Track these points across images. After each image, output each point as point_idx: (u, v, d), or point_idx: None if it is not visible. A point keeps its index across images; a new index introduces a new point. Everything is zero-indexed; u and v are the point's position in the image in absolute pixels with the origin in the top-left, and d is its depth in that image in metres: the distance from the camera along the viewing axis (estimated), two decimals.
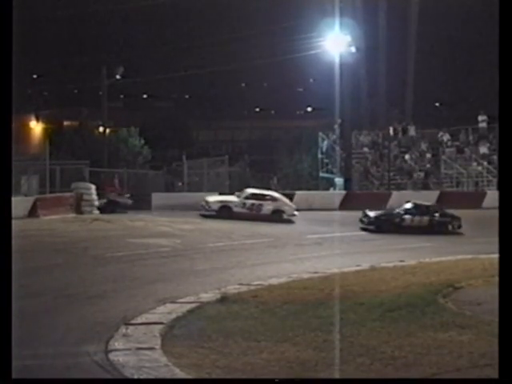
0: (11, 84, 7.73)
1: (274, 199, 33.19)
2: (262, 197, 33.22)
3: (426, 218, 30.15)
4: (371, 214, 30.26)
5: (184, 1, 58.36)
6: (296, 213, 32.61)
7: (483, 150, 42.48)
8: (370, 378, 9.07)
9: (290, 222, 32.05)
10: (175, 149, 56.95)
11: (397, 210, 30.69)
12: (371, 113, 51.71)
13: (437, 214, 30.27)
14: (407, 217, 30.13)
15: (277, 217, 32.31)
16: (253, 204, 32.80)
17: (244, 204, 32.86)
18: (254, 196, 33.18)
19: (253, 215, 32.28)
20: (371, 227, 29.66)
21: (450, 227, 29.85)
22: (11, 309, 7.72)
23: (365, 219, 30.10)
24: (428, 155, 44.04)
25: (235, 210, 32.71)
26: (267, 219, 31.81)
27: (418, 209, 30.45)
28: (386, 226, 29.71)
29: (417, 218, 30.23)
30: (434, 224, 29.99)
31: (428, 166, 43.54)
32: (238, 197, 33.34)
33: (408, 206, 30.63)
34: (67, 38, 61.37)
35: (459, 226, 30.01)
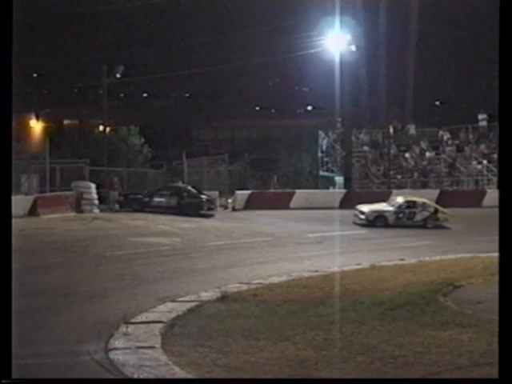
0: (11, 83, 7.73)
1: None
2: None
3: (174, 199, 32.02)
4: (130, 196, 33.29)
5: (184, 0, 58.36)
6: None
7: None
8: (370, 378, 9.06)
9: None
10: (175, 147, 56.92)
11: (148, 191, 33.09)
12: (371, 111, 51.73)
13: (186, 195, 32.31)
14: (156, 197, 32.23)
15: None
16: None
17: None
18: None
19: None
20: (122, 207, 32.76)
21: (204, 208, 32.13)
22: (11, 308, 7.72)
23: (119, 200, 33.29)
24: (428, 154, 44.05)
25: None
26: None
27: (168, 190, 32.71)
28: (136, 205, 32.23)
29: (165, 199, 32.23)
30: (183, 205, 31.90)
31: (425, 164, 43.53)
32: None
33: (160, 187, 33.40)
34: (67, 37, 61.36)
35: (210, 208, 32.35)
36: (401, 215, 29.87)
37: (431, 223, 29.70)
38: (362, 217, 30.12)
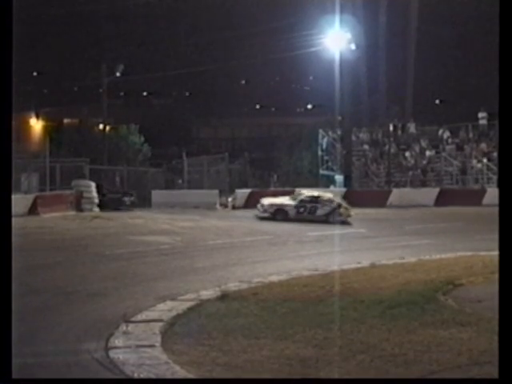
0: (11, 82, 7.72)
1: None
2: None
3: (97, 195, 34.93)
4: None
5: None
6: None
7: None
8: (370, 378, 9.05)
9: None
10: (175, 146, 57.01)
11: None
12: (371, 110, 51.76)
13: (107, 192, 35.65)
14: None
15: None
16: None
17: None
18: None
19: None
20: None
21: (126, 202, 35.65)
22: (11, 307, 7.72)
23: None
24: (428, 152, 44.05)
25: None
26: None
27: (98, 188, 35.14)
28: None
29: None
30: (106, 201, 34.89)
31: (425, 162, 43.54)
32: None
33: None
34: (67, 36, 61.38)
35: (132, 202, 35.79)
36: (301, 210, 30.22)
37: (333, 218, 29.84)
38: (262, 209, 30.59)
